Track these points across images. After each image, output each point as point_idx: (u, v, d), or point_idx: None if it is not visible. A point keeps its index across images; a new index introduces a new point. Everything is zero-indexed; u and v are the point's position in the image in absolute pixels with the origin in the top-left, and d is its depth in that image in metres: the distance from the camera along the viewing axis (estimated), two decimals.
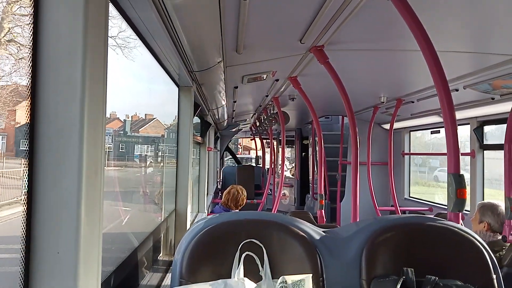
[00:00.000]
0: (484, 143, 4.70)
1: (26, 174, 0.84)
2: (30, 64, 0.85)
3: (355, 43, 2.76)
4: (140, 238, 2.09)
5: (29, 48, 0.86)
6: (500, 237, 2.73)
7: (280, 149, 10.13)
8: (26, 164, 0.85)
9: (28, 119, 0.85)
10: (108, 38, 1.00)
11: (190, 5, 1.62)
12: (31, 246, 0.83)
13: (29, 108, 0.85)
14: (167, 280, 2.22)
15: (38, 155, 0.84)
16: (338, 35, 2.48)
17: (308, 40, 2.57)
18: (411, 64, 3.34)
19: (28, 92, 0.86)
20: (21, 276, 0.82)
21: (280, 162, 8.40)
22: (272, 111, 5.85)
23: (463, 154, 4.84)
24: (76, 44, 0.85)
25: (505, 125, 3.26)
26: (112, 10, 1.27)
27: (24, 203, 0.83)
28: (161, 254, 2.60)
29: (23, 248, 0.83)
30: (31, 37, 0.85)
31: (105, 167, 0.96)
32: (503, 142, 3.26)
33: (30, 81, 0.86)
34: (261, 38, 2.62)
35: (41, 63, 0.85)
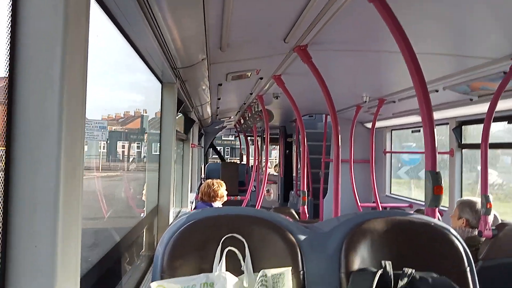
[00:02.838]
0: (462, 143, 4.82)
1: (3, 168, 0.84)
2: (8, 58, 0.85)
3: (338, 44, 2.80)
4: (122, 233, 2.09)
5: (7, 42, 0.85)
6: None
7: (264, 147, 10.16)
8: (2, 158, 0.84)
9: (5, 114, 0.85)
10: (89, 34, 0.99)
11: (174, 2, 1.63)
12: (7, 239, 0.82)
13: (6, 103, 0.85)
14: (150, 275, 2.23)
15: (15, 148, 0.83)
16: (322, 35, 2.52)
17: (292, 40, 2.60)
18: (392, 65, 3.41)
19: (5, 87, 0.85)
20: None
21: (264, 159, 8.43)
22: (256, 109, 5.88)
23: (442, 153, 4.96)
24: (55, 39, 0.84)
25: (482, 126, 3.36)
26: (93, 4, 1.26)
27: (0, 196, 0.83)
28: (143, 250, 2.60)
29: None
30: (9, 30, 0.84)
31: (84, 162, 0.97)
32: (479, 142, 3.36)
33: (7, 75, 0.85)
34: (245, 36, 2.63)
35: (19, 59, 0.84)
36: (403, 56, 2.05)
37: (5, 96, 0.85)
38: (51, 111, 0.84)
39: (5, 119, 0.84)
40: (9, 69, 0.85)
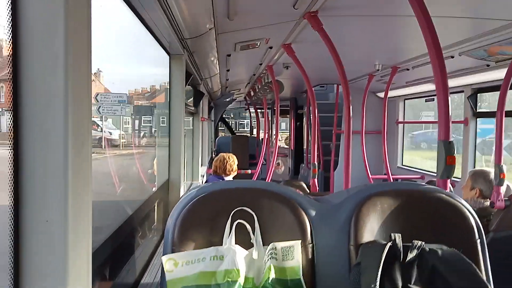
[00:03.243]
0: (477, 111, 4.70)
1: (12, 143, 0.83)
2: (10, 33, 0.82)
3: (349, 9, 2.70)
4: (134, 207, 2.10)
5: (8, 17, 0.82)
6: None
7: (274, 119, 10.10)
8: (11, 134, 0.83)
9: (11, 89, 0.83)
10: (92, 4, 0.96)
11: None
12: (19, 214, 0.82)
13: (11, 79, 0.83)
14: (161, 248, 2.26)
15: (23, 124, 0.82)
16: (333, 0, 2.42)
17: (301, 5, 2.50)
18: (406, 30, 3.29)
19: (9, 64, 0.83)
20: (11, 245, 0.82)
21: (274, 131, 8.39)
22: (266, 80, 5.79)
23: (456, 122, 4.86)
24: (58, 12, 0.82)
25: (498, 93, 3.26)
26: None
27: (11, 172, 0.82)
28: (155, 223, 2.63)
29: (11, 216, 0.82)
30: (10, 7, 0.81)
31: (92, 136, 0.95)
32: (495, 110, 3.27)
33: (11, 50, 0.83)
34: (254, 3, 2.55)
35: (22, 33, 0.82)
36: (418, 20, 1.96)
37: (10, 72, 0.83)
38: (56, 85, 0.83)
39: (11, 95, 0.83)
40: (12, 45, 0.83)
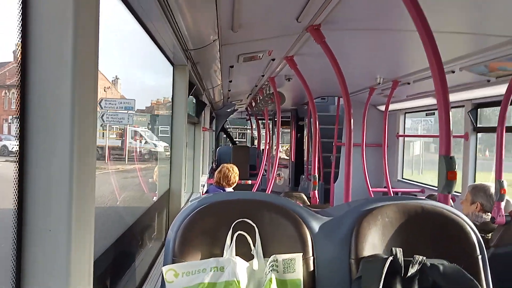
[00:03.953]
0: (478, 126, 4.72)
1: (17, 151, 0.83)
2: (20, 39, 0.83)
3: (352, 22, 2.73)
4: (134, 216, 2.10)
5: (18, 25, 0.83)
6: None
7: (275, 130, 10.11)
8: (16, 142, 0.84)
9: (18, 96, 0.84)
10: (100, 15, 0.97)
11: None
12: (23, 223, 0.82)
13: (18, 84, 0.83)
14: (161, 258, 2.25)
15: (29, 132, 0.83)
16: (335, 14, 2.45)
17: (305, 19, 2.53)
18: (408, 45, 3.32)
19: (17, 68, 0.84)
20: (13, 254, 0.83)
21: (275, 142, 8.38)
22: (268, 92, 5.82)
23: (457, 137, 4.87)
24: (66, 19, 0.83)
25: (499, 108, 3.27)
26: None
27: (15, 180, 0.83)
28: (155, 233, 2.62)
29: (14, 225, 0.82)
30: (20, 13, 0.83)
31: (96, 145, 0.96)
32: (496, 125, 3.28)
33: (19, 56, 0.84)
34: (257, 16, 2.58)
35: (31, 39, 0.83)
36: (420, 34, 1.98)
37: (18, 79, 0.84)
38: (63, 92, 0.83)
39: (18, 103, 0.83)
40: (21, 52, 0.83)
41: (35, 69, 0.83)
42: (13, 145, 0.85)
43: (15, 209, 0.82)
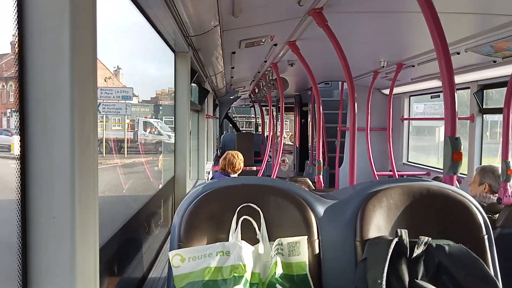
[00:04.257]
0: (483, 107, 4.67)
1: (18, 139, 0.83)
2: (16, 29, 0.82)
3: (354, 5, 2.69)
4: (140, 203, 2.11)
5: (14, 13, 0.83)
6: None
7: (279, 116, 10.08)
8: (17, 131, 0.84)
9: (17, 85, 0.83)
10: (99, 3, 0.96)
11: None
12: (27, 211, 0.83)
13: (17, 74, 0.83)
14: (167, 244, 2.27)
15: (29, 119, 0.83)
16: None
17: (306, 2, 2.49)
18: (412, 27, 3.27)
19: (15, 58, 0.84)
20: (19, 241, 0.83)
21: (279, 128, 8.37)
22: (271, 78, 5.78)
23: (462, 118, 4.83)
24: (63, 8, 0.82)
25: (505, 89, 3.23)
26: None
27: (18, 168, 0.83)
28: (161, 219, 2.64)
29: (18, 213, 0.83)
30: (16, 1, 0.82)
31: (97, 132, 0.95)
32: (502, 106, 3.24)
33: (17, 45, 0.83)
34: (258, 0, 2.54)
35: (28, 29, 0.82)
36: (424, 15, 1.95)
37: (16, 69, 0.84)
38: (62, 82, 0.83)
39: (17, 93, 0.83)
40: (18, 42, 0.83)
41: (33, 59, 0.83)
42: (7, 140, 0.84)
43: (18, 197, 0.83)
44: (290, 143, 10.62)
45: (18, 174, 0.82)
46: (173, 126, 2.93)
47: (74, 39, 0.83)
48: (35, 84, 0.82)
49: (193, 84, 4.16)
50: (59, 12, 0.82)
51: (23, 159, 0.82)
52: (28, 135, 0.83)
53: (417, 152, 6.95)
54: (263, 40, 3.58)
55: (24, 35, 0.82)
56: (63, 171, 0.83)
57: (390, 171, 6.08)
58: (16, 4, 0.82)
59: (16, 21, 0.82)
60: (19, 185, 0.82)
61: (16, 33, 0.82)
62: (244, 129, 20.58)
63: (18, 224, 0.82)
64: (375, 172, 5.77)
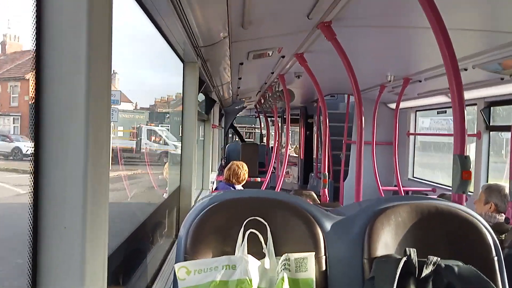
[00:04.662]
0: (490, 125, 4.65)
1: (32, 150, 0.84)
2: (34, 38, 0.83)
3: (364, 19, 2.70)
4: (146, 213, 2.11)
5: (33, 22, 0.83)
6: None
7: (284, 128, 10.08)
8: (32, 140, 0.84)
9: (33, 95, 0.84)
10: (113, 13, 0.97)
11: None
12: (38, 222, 0.83)
13: (33, 84, 0.84)
14: (172, 255, 2.25)
15: (43, 131, 0.83)
16: (347, 11, 2.43)
17: (316, 16, 2.51)
18: (420, 42, 3.28)
19: (32, 67, 0.84)
20: (29, 251, 0.83)
21: (284, 140, 8.36)
22: (277, 89, 5.80)
23: (469, 135, 4.80)
24: (80, 17, 0.83)
25: None
26: None
27: (31, 179, 0.83)
28: (166, 230, 2.63)
29: (30, 223, 0.83)
30: (35, 10, 0.83)
31: (110, 143, 0.96)
32: (510, 124, 3.23)
33: (34, 54, 0.84)
34: (268, 12, 2.56)
35: (45, 38, 0.83)
36: (434, 31, 1.96)
37: (33, 76, 0.84)
38: (77, 90, 0.83)
39: (33, 102, 0.84)
40: (35, 50, 0.83)
41: (49, 67, 0.83)
42: (27, 147, 0.85)
43: (30, 206, 0.83)
44: (295, 155, 10.60)
45: (31, 184, 0.82)
46: (180, 135, 2.93)
47: (91, 48, 0.84)
48: (51, 94, 0.83)
49: (200, 94, 4.18)
50: (76, 21, 0.83)
51: (37, 168, 0.82)
52: (41, 145, 0.83)
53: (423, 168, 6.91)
54: (271, 52, 3.60)
55: (41, 43, 0.83)
56: (75, 182, 0.83)
57: (395, 186, 6.04)
58: (35, 11, 0.83)
59: (34, 30, 0.83)
60: (31, 194, 0.82)
61: (34, 39, 0.83)
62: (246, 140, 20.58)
63: (30, 233, 0.82)
64: (380, 187, 5.74)
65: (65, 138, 0.83)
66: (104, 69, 0.91)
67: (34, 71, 0.84)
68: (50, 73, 0.83)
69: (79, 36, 0.83)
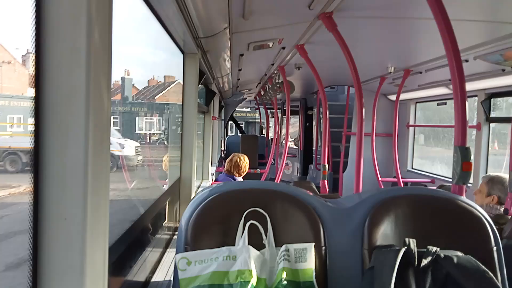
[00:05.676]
0: (490, 116, 4.64)
1: (33, 141, 0.83)
2: (34, 29, 0.83)
3: (365, 10, 2.68)
4: (146, 205, 2.11)
5: (32, 13, 0.83)
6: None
7: (284, 119, 10.08)
8: (32, 131, 0.84)
9: (33, 86, 0.84)
10: (113, 2, 0.96)
11: None
12: (39, 212, 0.83)
13: (33, 75, 0.83)
14: (173, 246, 2.26)
15: (44, 122, 0.83)
16: (348, 1, 2.41)
17: (317, 6, 2.49)
18: (421, 33, 3.26)
19: (32, 58, 0.84)
20: (30, 242, 0.83)
21: (284, 131, 8.37)
22: (277, 80, 5.78)
23: (469, 127, 4.80)
24: (79, 9, 0.82)
25: None
26: None
27: (32, 170, 0.83)
28: (166, 221, 2.64)
29: (31, 214, 0.83)
30: (34, 4, 0.82)
31: (110, 134, 0.95)
32: (510, 115, 3.23)
33: (34, 45, 0.83)
34: (269, 3, 2.54)
35: (45, 29, 0.82)
36: (437, 22, 1.94)
37: (33, 69, 0.84)
38: (78, 81, 0.83)
39: (33, 94, 0.83)
40: (35, 43, 0.83)
41: (49, 60, 0.83)
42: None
43: (31, 197, 0.83)
44: (294, 147, 10.61)
45: (31, 175, 0.82)
46: (180, 127, 2.93)
47: (90, 40, 0.83)
48: (51, 85, 0.83)
49: (200, 85, 4.17)
50: (76, 13, 0.82)
51: (37, 160, 0.82)
52: (42, 136, 0.83)
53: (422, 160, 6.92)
54: (271, 43, 3.58)
55: (41, 36, 0.82)
56: (76, 173, 0.83)
57: (394, 177, 6.06)
58: (34, 5, 0.82)
59: (34, 21, 0.83)
60: (32, 186, 0.82)
61: (34, 34, 0.83)
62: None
63: (30, 225, 0.83)
64: (380, 178, 5.75)
65: (65, 129, 0.83)
66: (104, 60, 0.91)
67: (34, 62, 0.83)
68: (51, 63, 0.83)
69: (79, 28, 0.82)
